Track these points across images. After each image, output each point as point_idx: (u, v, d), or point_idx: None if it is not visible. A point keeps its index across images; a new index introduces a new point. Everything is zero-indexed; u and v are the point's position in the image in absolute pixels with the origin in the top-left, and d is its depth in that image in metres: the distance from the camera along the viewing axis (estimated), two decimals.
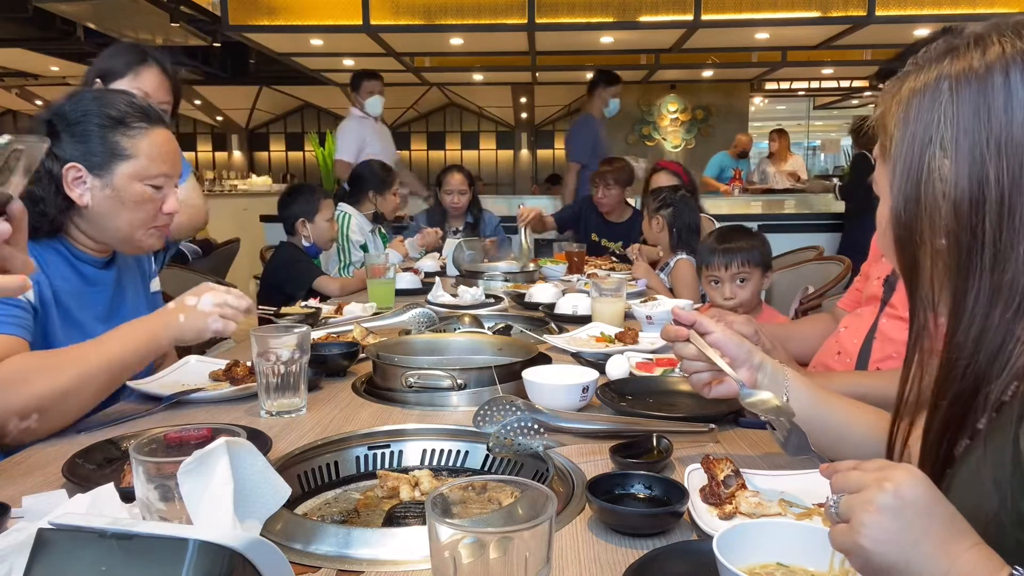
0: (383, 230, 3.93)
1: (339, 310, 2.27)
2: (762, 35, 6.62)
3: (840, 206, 6.22)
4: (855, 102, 12.09)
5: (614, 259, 3.69)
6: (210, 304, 1.34)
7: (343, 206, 3.67)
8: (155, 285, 1.76)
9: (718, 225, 3.15)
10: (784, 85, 11.20)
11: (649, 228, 3.17)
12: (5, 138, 0.79)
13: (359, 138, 4.82)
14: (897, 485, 0.63)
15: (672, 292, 2.88)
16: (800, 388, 1.07)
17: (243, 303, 1.37)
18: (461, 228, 4.13)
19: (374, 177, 3.80)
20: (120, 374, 1.31)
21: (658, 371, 1.56)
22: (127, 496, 0.78)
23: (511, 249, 4.10)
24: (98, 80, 2.08)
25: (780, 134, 8.01)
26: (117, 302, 1.54)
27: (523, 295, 2.53)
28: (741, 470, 0.96)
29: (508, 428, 1.06)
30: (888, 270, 1.63)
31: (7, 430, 1.19)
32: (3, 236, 0.85)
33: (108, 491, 0.76)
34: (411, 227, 4.24)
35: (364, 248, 3.64)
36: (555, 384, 1.33)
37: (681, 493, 0.90)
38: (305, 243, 3.15)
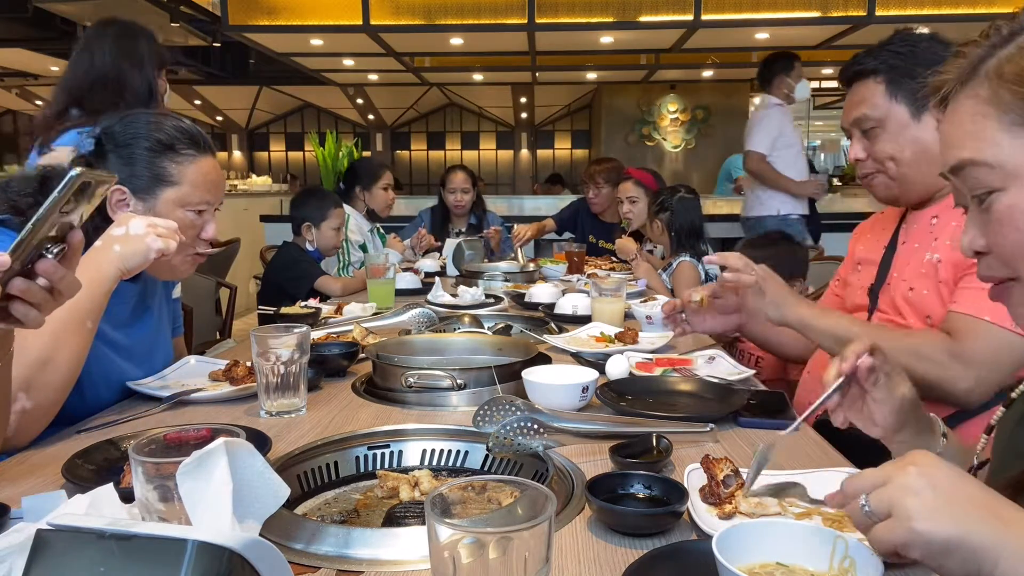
0: (381, 229, 3.92)
1: (339, 310, 2.27)
2: (762, 35, 6.63)
3: (844, 205, 6.23)
4: None
5: (614, 259, 3.69)
6: (141, 227, 1.30)
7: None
8: (176, 292, 1.76)
9: None
10: None
11: (651, 230, 3.17)
12: (77, 170, 0.82)
13: (778, 128, 4.39)
14: (921, 466, 0.63)
15: (673, 293, 2.88)
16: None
17: (171, 223, 1.34)
18: (464, 229, 4.13)
19: (362, 173, 3.77)
20: (82, 323, 1.26)
21: (658, 371, 1.56)
22: (126, 496, 0.78)
23: (512, 249, 4.11)
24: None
25: None
26: (140, 310, 1.54)
27: (523, 295, 2.53)
28: (741, 470, 0.96)
29: (508, 428, 1.06)
30: (871, 279, 1.61)
31: (8, 423, 1.18)
32: (53, 277, 0.89)
33: (107, 491, 0.76)
34: (409, 226, 4.24)
35: (363, 248, 3.64)
36: (555, 384, 1.33)
37: (681, 493, 0.90)
38: (308, 247, 3.15)
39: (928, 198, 1.52)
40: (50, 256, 0.89)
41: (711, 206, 6.53)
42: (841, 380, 0.90)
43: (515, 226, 4.06)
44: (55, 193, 0.81)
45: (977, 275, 0.81)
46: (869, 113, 1.50)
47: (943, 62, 1.47)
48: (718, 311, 1.63)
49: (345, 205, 3.68)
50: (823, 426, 1.25)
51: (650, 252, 3.41)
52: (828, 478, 0.98)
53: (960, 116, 0.76)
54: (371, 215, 3.81)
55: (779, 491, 0.88)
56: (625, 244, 3.41)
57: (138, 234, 1.29)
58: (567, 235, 4.41)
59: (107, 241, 1.30)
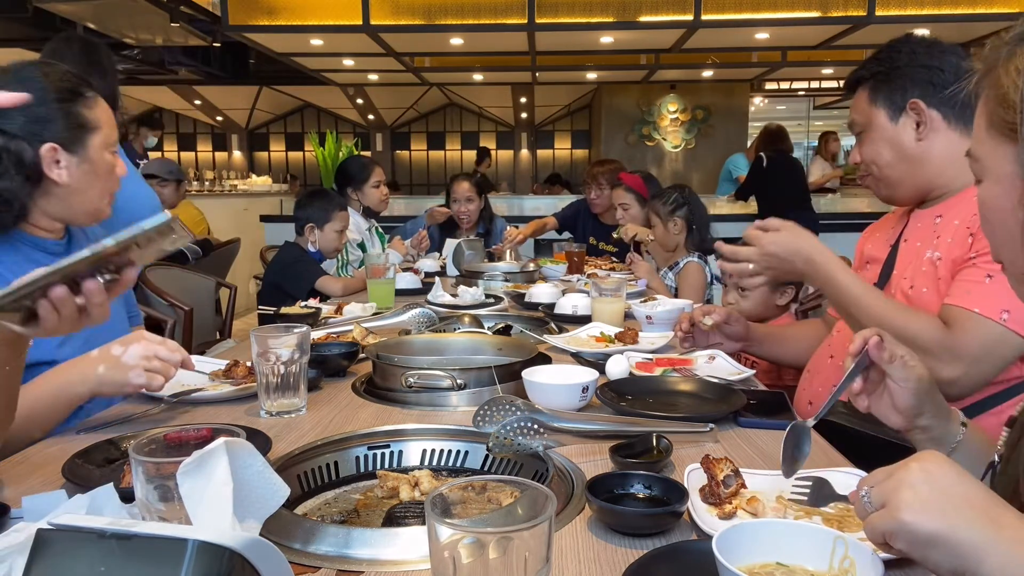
0: (380, 229, 3.93)
1: (339, 310, 2.27)
2: (762, 35, 6.63)
3: (845, 205, 6.26)
4: None
5: (614, 259, 3.70)
6: (136, 356, 1.25)
7: None
8: None
9: None
10: (784, 85, 11.19)
11: (666, 232, 3.12)
12: (169, 215, 0.85)
13: None
14: (924, 463, 0.66)
15: (676, 293, 2.88)
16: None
17: (175, 356, 1.29)
18: (472, 238, 4.13)
19: (351, 173, 3.77)
20: (29, 427, 1.20)
21: (658, 371, 1.56)
22: (127, 496, 0.78)
23: (518, 253, 4.11)
24: None
25: (832, 136, 7.89)
26: None
27: (523, 295, 2.53)
28: (741, 470, 0.96)
29: (508, 428, 1.06)
30: (875, 278, 1.62)
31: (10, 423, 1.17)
32: (94, 299, 0.91)
33: (107, 491, 0.77)
34: (410, 225, 4.24)
35: (362, 247, 3.64)
36: (555, 384, 1.33)
37: (681, 493, 0.90)
38: (310, 247, 3.15)
39: (923, 196, 1.54)
40: (102, 280, 0.90)
41: (711, 206, 6.53)
42: (860, 358, 0.95)
43: (507, 228, 4.06)
44: (143, 226, 0.83)
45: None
46: (856, 119, 1.59)
47: (922, 64, 1.51)
48: (725, 335, 1.70)
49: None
50: (823, 427, 1.25)
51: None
52: (829, 478, 0.98)
53: (977, 109, 0.81)
54: (368, 212, 3.80)
55: (818, 499, 0.91)
56: (633, 227, 3.42)
57: (127, 364, 1.25)
58: (567, 235, 4.41)
59: (101, 355, 1.26)
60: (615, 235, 3.64)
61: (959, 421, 1.00)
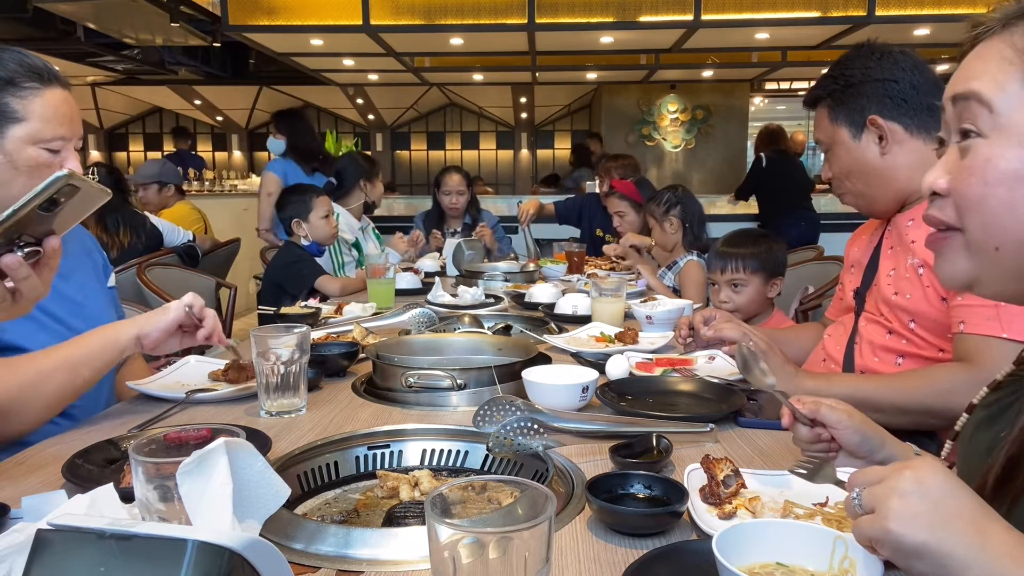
0: (376, 230, 3.93)
1: (339, 310, 2.27)
2: (762, 35, 6.62)
3: (841, 205, 6.24)
4: None
5: (613, 259, 3.70)
6: (179, 304, 1.37)
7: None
8: (111, 281, 1.73)
9: None
10: (784, 85, 11.19)
11: (663, 232, 3.15)
12: (65, 171, 0.84)
13: None
14: (917, 471, 0.64)
15: (677, 292, 2.88)
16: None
17: (210, 311, 1.39)
18: (459, 229, 4.13)
19: (361, 167, 3.82)
20: (76, 368, 1.28)
21: (658, 371, 1.56)
22: (127, 496, 0.78)
23: (510, 248, 4.11)
24: None
25: None
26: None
27: (523, 295, 2.53)
28: (741, 470, 0.96)
29: (508, 428, 1.06)
30: (857, 282, 1.62)
31: None
32: (16, 274, 0.90)
33: (107, 491, 0.76)
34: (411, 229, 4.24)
35: (356, 247, 3.64)
36: (555, 384, 1.33)
37: (681, 493, 0.90)
38: (304, 243, 3.14)
39: (901, 205, 1.55)
40: (19, 253, 0.89)
41: (711, 206, 6.54)
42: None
43: (519, 204, 4.05)
44: (35, 190, 0.82)
45: (924, 215, 0.80)
46: (821, 137, 1.60)
47: (875, 78, 1.50)
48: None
49: (337, 204, 3.68)
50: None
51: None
52: None
53: (988, 53, 0.75)
54: (367, 207, 3.83)
55: (814, 474, 0.91)
56: (634, 235, 3.44)
57: (169, 306, 1.36)
58: (567, 235, 4.41)
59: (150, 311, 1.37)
60: (608, 248, 3.66)
61: (912, 453, 0.98)
